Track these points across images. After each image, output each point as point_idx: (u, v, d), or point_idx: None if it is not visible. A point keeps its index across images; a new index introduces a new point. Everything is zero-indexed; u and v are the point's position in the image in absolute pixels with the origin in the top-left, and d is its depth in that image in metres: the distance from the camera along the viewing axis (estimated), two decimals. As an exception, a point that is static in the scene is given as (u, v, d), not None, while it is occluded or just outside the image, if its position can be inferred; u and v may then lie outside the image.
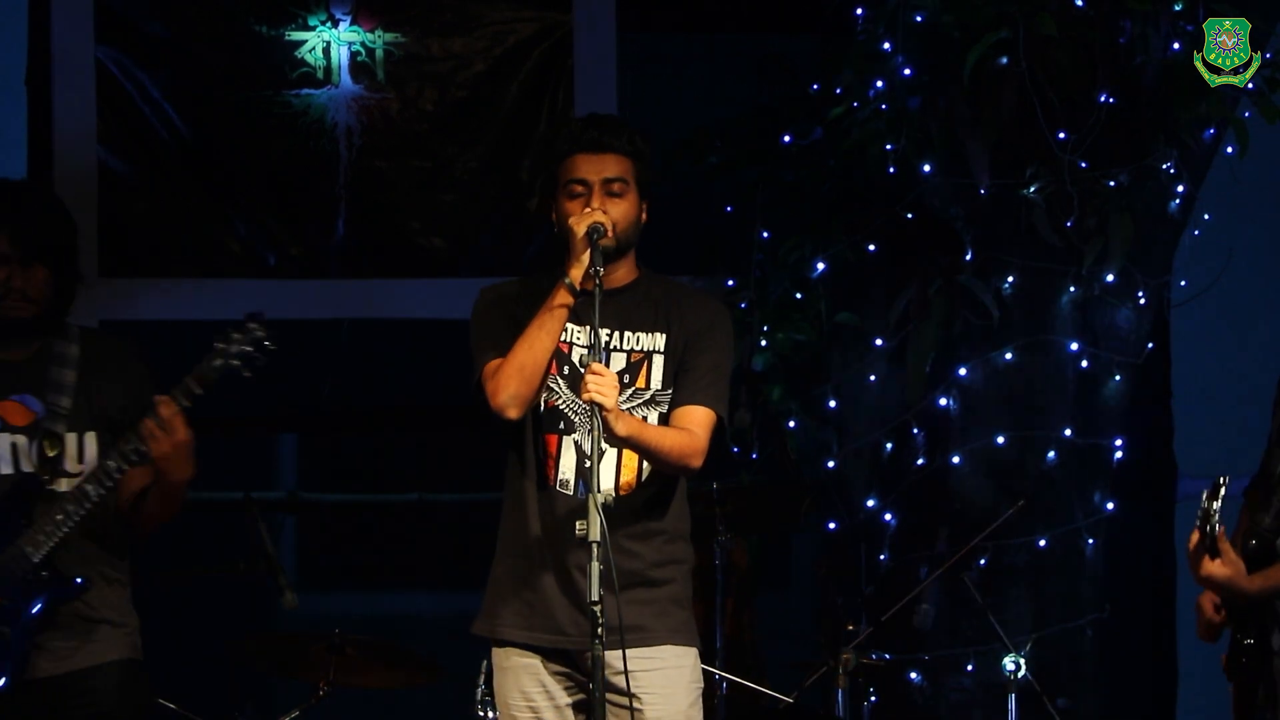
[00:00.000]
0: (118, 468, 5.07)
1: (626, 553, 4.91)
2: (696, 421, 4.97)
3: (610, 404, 4.75)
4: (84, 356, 5.20)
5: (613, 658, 4.84)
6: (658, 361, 5.02)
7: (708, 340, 5.03)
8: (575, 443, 4.96)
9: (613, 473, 4.96)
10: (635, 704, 4.91)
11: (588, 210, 4.92)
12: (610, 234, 4.90)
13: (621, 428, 4.80)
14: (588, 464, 4.87)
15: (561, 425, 4.98)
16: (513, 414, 4.89)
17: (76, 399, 5.16)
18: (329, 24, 8.36)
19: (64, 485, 5.13)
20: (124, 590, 5.27)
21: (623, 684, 4.86)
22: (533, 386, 4.88)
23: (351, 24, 8.38)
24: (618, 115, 5.24)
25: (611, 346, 5.00)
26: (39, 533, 5.06)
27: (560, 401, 4.98)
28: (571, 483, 4.96)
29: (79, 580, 5.12)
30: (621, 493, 4.95)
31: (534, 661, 4.97)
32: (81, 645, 5.16)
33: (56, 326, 5.24)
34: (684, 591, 5.04)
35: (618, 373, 4.96)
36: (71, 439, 5.17)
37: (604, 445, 4.87)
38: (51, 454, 5.14)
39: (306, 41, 8.36)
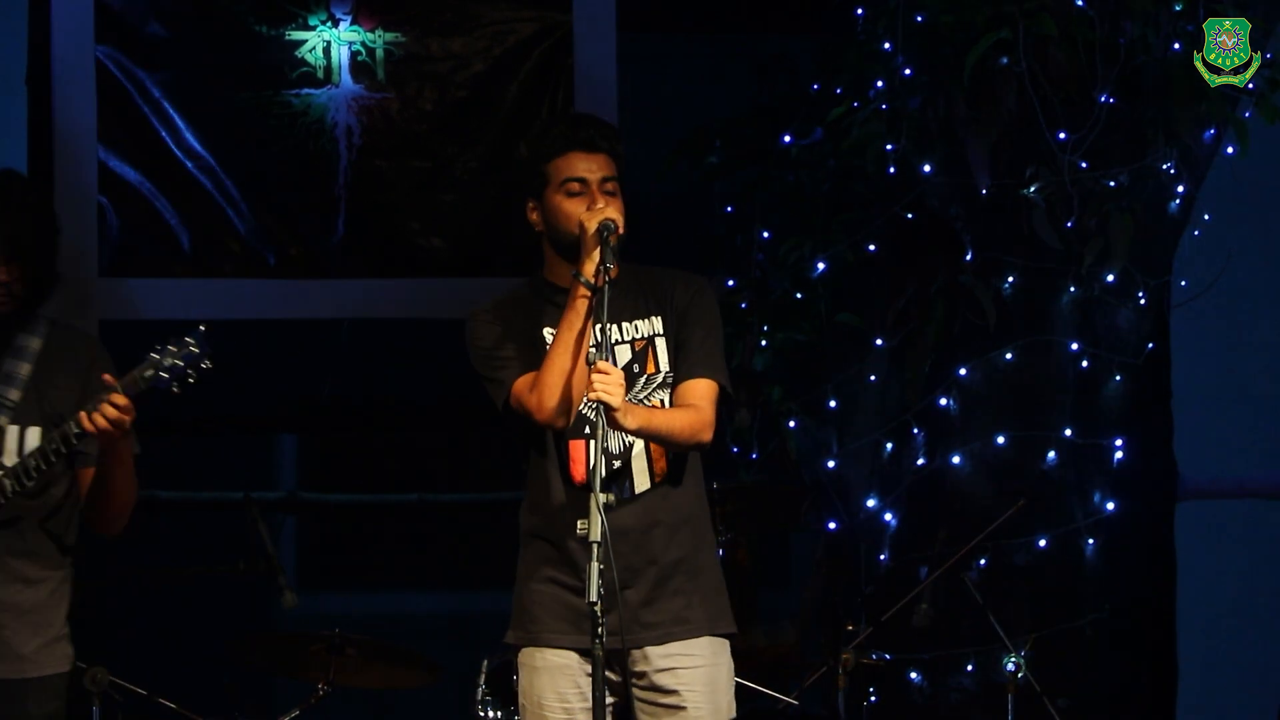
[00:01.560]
0: (37, 466, 4.98)
1: (671, 542, 4.95)
2: (699, 395, 4.99)
3: (616, 402, 4.76)
4: (45, 351, 5.14)
5: (656, 655, 4.89)
6: (661, 344, 5.04)
7: (694, 313, 5.04)
8: (595, 445, 4.95)
9: (645, 463, 4.97)
10: (678, 701, 4.94)
11: (598, 207, 4.92)
12: (620, 231, 4.91)
13: (631, 421, 4.82)
14: (616, 464, 4.91)
15: (585, 429, 4.97)
16: (563, 423, 4.91)
17: (27, 393, 5.09)
18: (329, 24, 8.36)
19: None
20: (50, 596, 5.14)
21: (666, 682, 4.91)
22: (573, 389, 4.87)
23: (352, 24, 8.38)
24: (599, 116, 5.24)
25: (614, 339, 5.00)
26: None
27: (581, 406, 4.97)
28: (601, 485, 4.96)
29: None
30: (657, 479, 4.97)
31: (570, 662, 4.98)
32: None
33: (26, 316, 5.17)
34: (720, 574, 5.08)
35: (627, 363, 4.98)
36: (13, 431, 5.10)
37: (628, 440, 4.91)
38: None
39: (306, 41, 8.36)
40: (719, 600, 5.04)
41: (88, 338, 5.28)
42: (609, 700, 4.94)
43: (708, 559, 5.05)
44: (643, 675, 4.90)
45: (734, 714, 5.05)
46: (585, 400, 4.88)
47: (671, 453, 5.00)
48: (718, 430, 5.06)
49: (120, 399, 4.90)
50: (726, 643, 5.05)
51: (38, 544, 5.11)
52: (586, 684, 4.97)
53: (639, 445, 4.98)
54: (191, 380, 4.95)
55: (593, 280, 4.86)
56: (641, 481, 4.97)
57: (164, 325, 8.15)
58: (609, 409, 4.75)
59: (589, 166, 4.98)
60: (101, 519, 5.16)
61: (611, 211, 4.91)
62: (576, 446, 4.99)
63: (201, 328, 4.97)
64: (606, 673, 4.91)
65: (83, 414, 4.93)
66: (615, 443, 4.93)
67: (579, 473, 4.97)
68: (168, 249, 8.33)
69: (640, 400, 4.98)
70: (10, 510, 5.03)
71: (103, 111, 8.28)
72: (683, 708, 4.94)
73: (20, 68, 8.36)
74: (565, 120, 5.15)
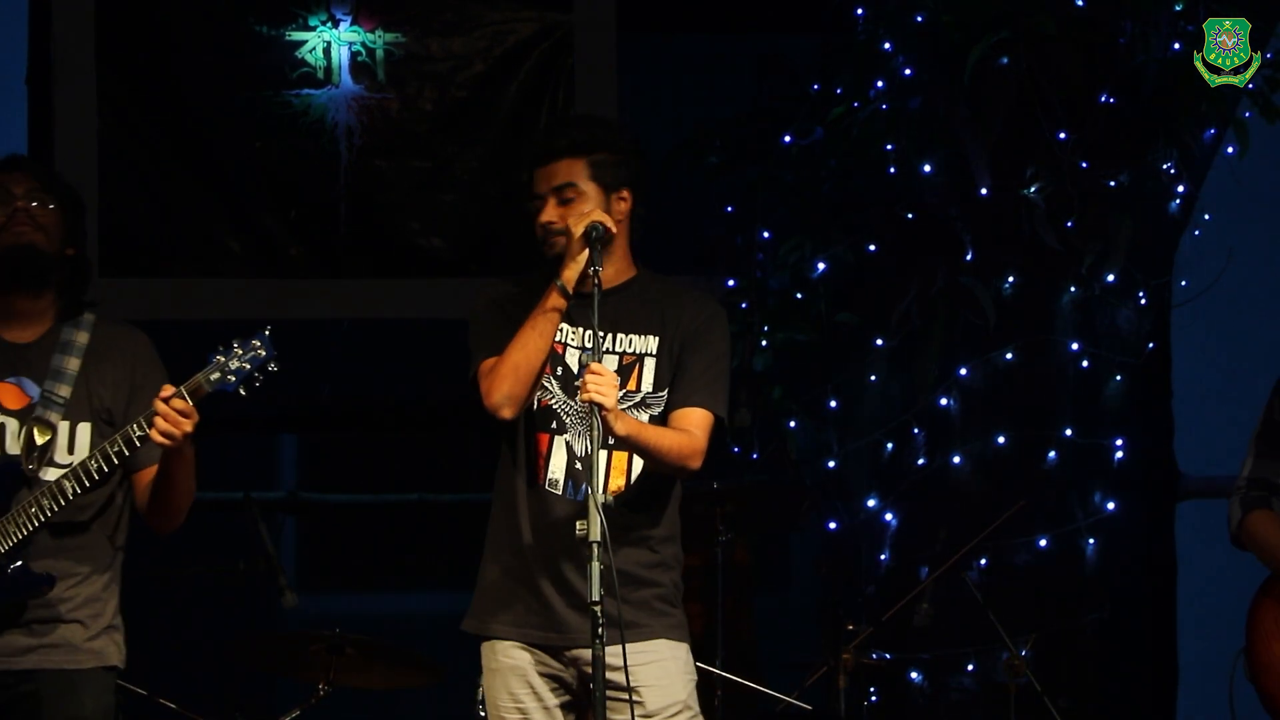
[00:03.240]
0: (99, 467, 4.94)
1: (618, 556, 4.90)
2: (695, 423, 4.97)
3: (610, 404, 4.75)
4: (92, 346, 5.12)
5: (609, 654, 4.83)
6: (649, 364, 5.02)
7: (703, 340, 5.02)
8: (566, 443, 4.96)
9: (602, 475, 4.94)
10: (635, 697, 4.92)
11: (584, 211, 4.92)
12: (607, 234, 4.90)
13: (621, 427, 4.80)
14: (578, 465, 4.90)
15: (554, 425, 4.98)
16: (506, 414, 4.90)
17: (76, 388, 5.07)
18: (329, 24, 8.37)
19: (51, 474, 5.01)
20: (104, 591, 5.11)
21: (619, 679, 4.88)
22: (526, 387, 4.88)
23: (352, 24, 8.38)
24: (578, 115, 5.22)
25: (604, 348, 4.99)
26: (11, 522, 4.94)
27: (553, 401, 4.98)
28: (561, 483, 4.96)
29: (44, 575, 4.97)
30: (610, 494, 4.94)
31: (522, 663, 4.98)
32: (38, 644, 5.01)
33: (71, 310, 5.16)
34: (674, 593, 5.05)
35: (609, 374, 4.97)
36: (64, 428, 5.06)
37: (589, 449, 4.88)
38: (41, 441, 5.04)
39: (307, 41, 8.37)
40: (672, 614, 5.02)
41: (134, 332, 5.25)
42: (560, 700, 4.98)
43: (659, 577, 5.01)
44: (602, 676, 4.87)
45: (696, 705, 5.03)
46: (578, 400, 4.88)
47: (634, 474, 4.97)
48: (718, 434, 5.05)
49: (183, 404, 4.87)
50: (684, 646, 5.04)
51: (89, 542, 5.10)
52: (539, 683, 4.98)
53: (600, 457, 4.91)
54: (258, 384, 4.93)
55: (570, 288, 4.86)
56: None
57: (165, 325, 8.20)
58: (602, 409, 4.74)
59: (542, 180, 4.97)
60: (162, 518, 5.13)
61: (601, 215, 4.89)
62: (543, 440, 4.99)
63: (267, 330, 4.96)
64: (557, 668, 4.96)
65: (163, 409, 4.88)
66: (580, 446, 4.92)
67: (541, 468, 4.98)
68: (168, 249, 8.33)
69: None
70: (65, 511, 5.02)
71: (103, 111, 8.28)
72: (640, 702, 4.93)
73: (20, 68, 8.36)
74: (545, 129, 5.15)
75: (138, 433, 4.94)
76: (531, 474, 4.98)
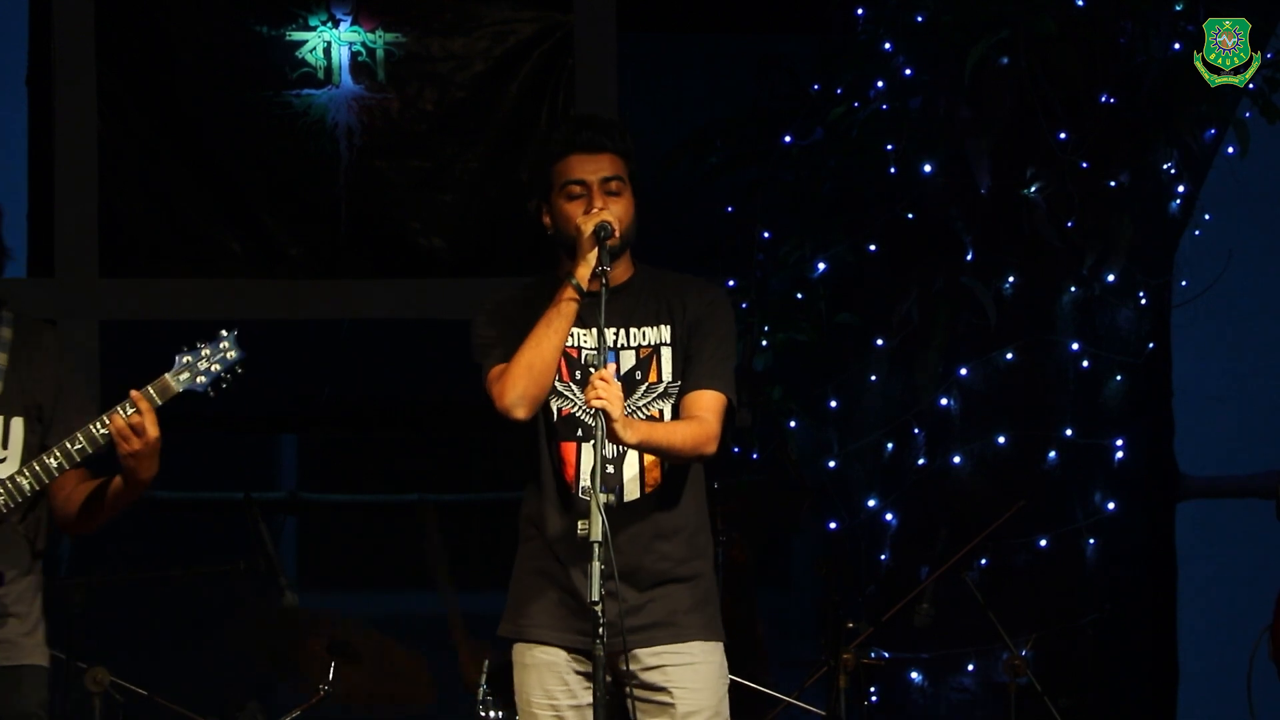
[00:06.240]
0: (59, 465, 4.89)
1: (656, 553, 4.94)
2: (706, 407, 4.99)
3: (617, 413, 4.75)
4: (17, 341, 5.04)
5: (645, 655, 4.89)
6: (666, 354, 5.03)
7: (709, 325, 5.05)
8: (594, 449, 4.95)
9: (637, 472, 4.97)
10: (668, 699, 4.94)
11: (595, 210, 4.93)
12: (616, 233, 4.91)
13: (631, 436, 4.82)
14: (609, 469, 4.91)
15: (579, 432, 4.98)
16: (520, 414, 4.90)
17: (7, 383, 5.00)
18: (330, 24, 8.36)
19: None
20: (28, 591, 5.03)
21: (655, 680, 4.91)
22: (541, 386, 4.88)
23: (352, 24, 8.38)
24: (604, 115, 5.25)
25: (619, 345, 5.01)
26: None
27: (575, 409, 4.98)
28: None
29: None
30: (648, 490, 4.97)
31: (558, 660, 4.99)
32: None
33: None
34: (712, 584, 5.07)
35: (630, 370, 4.98)
36: None
37: (622, 448, 4.91)
38: None
39: (307, 42, 8.36)
40: (708, 610, 5.04)
41: (49, 326, 5.21)
42: (592, 699, 4.97)
43: (698, 569, 5.03)
44: (633, 675, 4.91)
45: (726, 711, 5.04)
46: (585, 405, 4.89)
47: (668, 465, 4.99)
48: (728, 420, 5.06)
49: (143, 403, 4.84)
50: (719, 646, 5.06)
51: (11, 542, 5.06)
52: (574, 681, 4.98)
53: (632, 455, 4.96)
54: (226, 385, 4.88)
55: (585, 286, 4.87)
56: (631, 490, 4.96)
57: (164, 325, 8.20)
58: (608, 418, 4.75)
59: (589, 168, 4.98)
60: (91, 520, 5.09)
61: (608, 214, 4.92)
62: (568, 449, 4.99)
63: (234, 331, 4.92)
64: (591, 668, 4.93)
65: (117, 419, 4.85)
66: (610, 449, 4.92)
67: (570, 475, 4.98)
68: (168, 249, 8.33)
69: (640, 408, 4.98)
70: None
71: (103, 111, 8.28)
72: (671, 704, 4.95)
73: (20, 68, 8.36)
74: (569, 122, 5.16)
75: (101, 430, 4.87)
76: (562, 483, 4.98)
